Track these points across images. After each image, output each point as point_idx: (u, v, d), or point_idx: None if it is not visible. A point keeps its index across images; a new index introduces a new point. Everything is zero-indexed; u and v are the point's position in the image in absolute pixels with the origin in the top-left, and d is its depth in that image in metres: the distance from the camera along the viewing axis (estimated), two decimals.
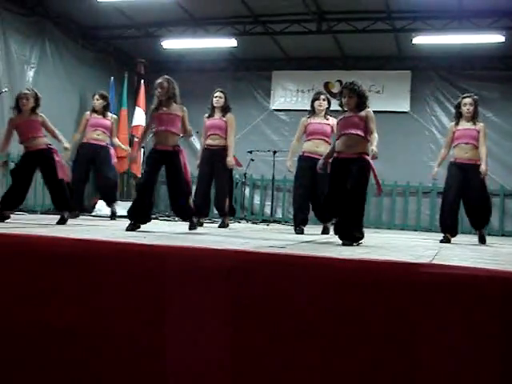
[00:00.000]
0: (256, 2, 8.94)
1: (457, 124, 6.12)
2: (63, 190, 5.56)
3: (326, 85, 11.05)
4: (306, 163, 6.48)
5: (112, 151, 7.68)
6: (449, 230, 6.09)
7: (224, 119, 6.91)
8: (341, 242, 4.48)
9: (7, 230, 3.91)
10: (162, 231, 5.26)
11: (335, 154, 4.76)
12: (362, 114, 4.66)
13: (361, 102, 4.69)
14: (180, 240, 4.09)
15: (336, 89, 10.92)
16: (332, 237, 5.11)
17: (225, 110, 6.96)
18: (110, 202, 7.69)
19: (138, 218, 5.17)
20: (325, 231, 6.51)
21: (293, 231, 6.61)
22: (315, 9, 8.93)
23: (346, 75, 10.89)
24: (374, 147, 4.50)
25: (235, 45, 9.89)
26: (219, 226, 6.85)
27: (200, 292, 2.59)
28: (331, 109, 6.78)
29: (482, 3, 8.22)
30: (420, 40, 9.18)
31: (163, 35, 10.02)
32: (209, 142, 6.95)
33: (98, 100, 7.60)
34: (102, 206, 8.34)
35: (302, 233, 6.38)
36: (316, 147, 6.48)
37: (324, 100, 6.70)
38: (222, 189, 6.94)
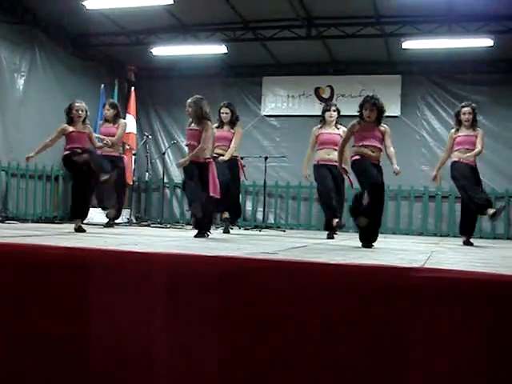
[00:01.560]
0: (246, 9, 8.95)
1: (457, 131, 6.54)
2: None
3: (317, 90, 11.07)
4: (324, 168, 6.99)
5: (125, 159, 7.90)
6: (469, 232, 6.58)
7: (232, 131, 7.30)
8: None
9: None
10: (154, 238, 5.24)
11: (359, 156, 5.13)
12: (382, 129, 5.19)
13: (381, 115, 5.14)
14: (173, 247, 4.08)
15: (327, 94, 10.97)
16: (323, 242, 5.13)
17: (233, 122, 7.34)
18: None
19: (200, 227, 5.80)
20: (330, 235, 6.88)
21: (284, 237, 6.90)
22: (304, 14, 8.95)
23: (337, 80, 10.97)
24: (397, 167, 5.25)
25: (225, 51, 9.90)
26: (224, 232, 7.19)
27: (192, 298, 2.59)
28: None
29: (470, 7, 8.27)
30: (409, 44, 9.22)
31: (153, 42, 10.02)
32: (217, 151, 7.21)
33: (108, 110, 7.78)
34: (93, 215, 8.31)
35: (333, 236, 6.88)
36: (328, 155, 6.96)
37: (334, 111, 7.13)
38: (233, 197, 7.27)
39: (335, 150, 6.81)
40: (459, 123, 6.52)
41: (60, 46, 9.95)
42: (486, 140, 9.94)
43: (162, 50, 10.14)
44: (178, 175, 11.07)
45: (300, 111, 10.89)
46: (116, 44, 10.28)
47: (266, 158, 9.34)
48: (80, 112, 6.18)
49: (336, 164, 6.64)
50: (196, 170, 5.77)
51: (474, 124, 6.48)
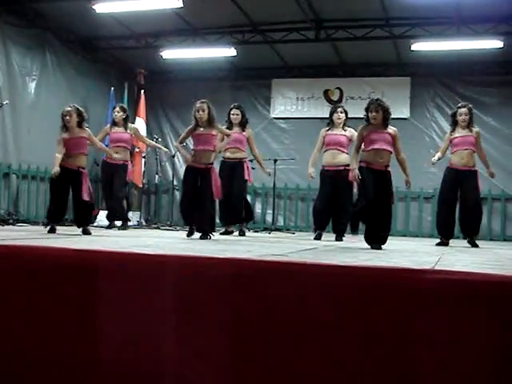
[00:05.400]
0: (254, 11, 8.98)
1: (453, 131, 6.62)
2: (85, 210, 5.95)
3: (326, 92, 11.08)
4: (326, 176, 6.94)
5: (129, 167, 7.80)
6: (445, 234, 6.56)
7: (244, 134, 7.32)
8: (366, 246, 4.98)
9: (10, 241, 3.92)
10: (164, 240, 5.26)
11: (364, 164, 5.10)
12: (392, 132, 5.16)
13: (386, 117, 5.11)
14: (183, 249, 4.09)
15: (336, 96, 10.98)
16: (333, 243, 5.14)
17: (243, 124, 7.32)
18: (119, 217, 7.77)
19: (191, 225, 5.87)
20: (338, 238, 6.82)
21: (294, 239, 6.89)
22: (313, 17, 8.97)
23: (346, 82, 10.97)
24: (409, 179, 5.34)
25: (234, 54, 9.93)
26: (239, 235, 7.26)
27: (203, 300, 2.60)
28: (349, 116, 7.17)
29: (479, 9, 8.25)
30: (419, 46, 9.22)
31: (162, 45, 10.07)
32: (227, 154, 7.25)
33: (118, 112, 7.69)
34: (103, 217, 8.37)
35: (319, 238, 6.75)
36: (333, 158, 6.88)
37: (342, 112, 7.03)
38: (240, 200, 7.31)
39: (340, 151, 6.88)
40: (455, 124, 6.59)
41: (70, 50, 10.03)
42: (496, 142, 10.05)
43: (172, 53, 10.19)
44: None
45: (309, 113, 10.91)
46: (126, 47, 10.34)
47: (276, 161, 9.34)
48: (68, 118, 5.78)
49: (341, 169, 6.74)
50: (195, 180, 5.79)
51: (470, 124, 6.51)
